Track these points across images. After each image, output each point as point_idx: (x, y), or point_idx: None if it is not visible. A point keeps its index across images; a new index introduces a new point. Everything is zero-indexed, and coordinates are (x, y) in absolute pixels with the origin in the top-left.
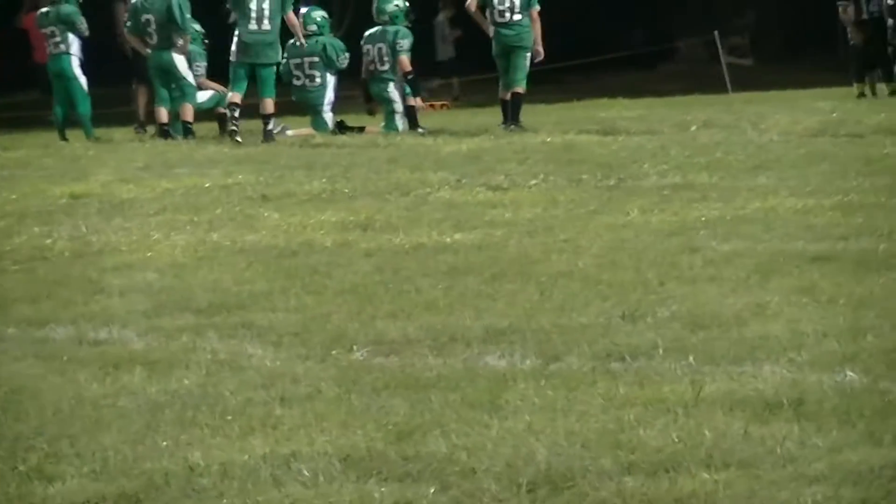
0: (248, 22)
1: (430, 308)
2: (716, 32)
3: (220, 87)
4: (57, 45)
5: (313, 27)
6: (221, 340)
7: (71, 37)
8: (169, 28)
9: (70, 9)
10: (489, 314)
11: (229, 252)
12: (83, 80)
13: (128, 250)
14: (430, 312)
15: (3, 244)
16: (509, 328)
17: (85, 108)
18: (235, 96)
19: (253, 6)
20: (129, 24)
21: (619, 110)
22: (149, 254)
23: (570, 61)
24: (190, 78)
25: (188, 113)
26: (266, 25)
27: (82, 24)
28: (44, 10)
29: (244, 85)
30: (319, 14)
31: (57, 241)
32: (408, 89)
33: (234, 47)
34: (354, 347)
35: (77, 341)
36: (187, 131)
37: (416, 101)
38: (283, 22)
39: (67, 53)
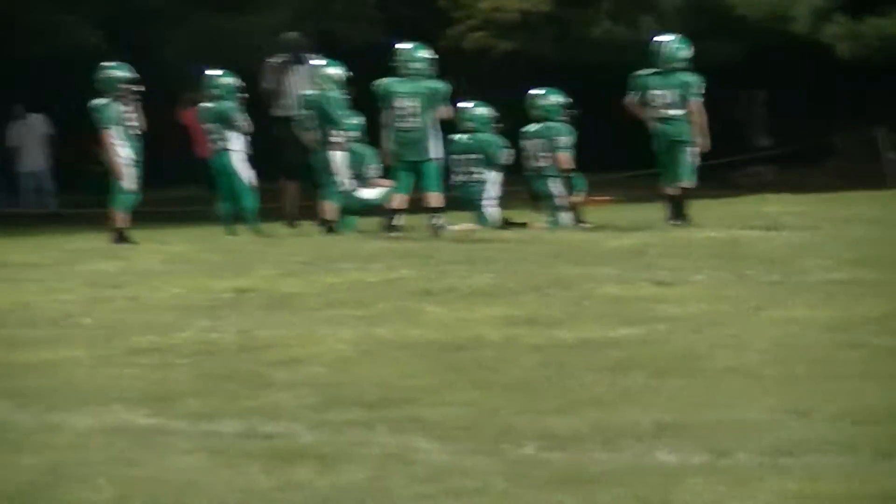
0: (398, 120)
1: (596, 403)
2: (879, 128)
3: (389, 184)
4: (217, 141)
5: (474, 123)
6: (390, 434)
7: (231, 132)
8: (326, 123)
9: (229, 105)
10: (656, 409)
11: (394, 346)
12: (246, 174)
13: (294, 344)
14: (596, 407)
15: (171, 338)
16: (677, 423)
17: (248, 202)
18: (397, 198)
19: (400, 104)
20: (291, 117)
21: (783, 205)
22: (315, 348)
23: (733, 157)
24: (341, 176)
25: (328, 210)
26: (414, 123)
27: (242, 120)
28: (203, 105)
29: (407, 184)
30: (480, 110)
31: (223, 335)
32: (575, 184)
33: (389, 146)
34: (523, 442)
35: (246, 435)
36: (327, 228)
37: (579, 197)
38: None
39: (228, 150)
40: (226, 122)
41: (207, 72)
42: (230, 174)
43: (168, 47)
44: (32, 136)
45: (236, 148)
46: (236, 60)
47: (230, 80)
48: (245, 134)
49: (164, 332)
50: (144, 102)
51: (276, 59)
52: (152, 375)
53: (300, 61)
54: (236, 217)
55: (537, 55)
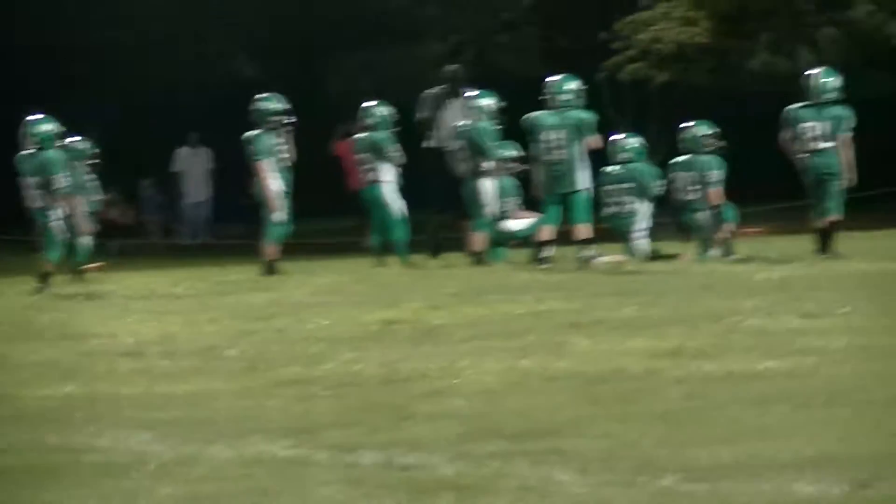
0: (546, 152)
1: (740, 435)
2: None
3: (536, 216)
4: (370, 172)
5: (627, 154)
6: (530, 466)
7: (383, 164)
8: (477, 154)
9: (382, 136)
10: (799, 441)
11: (539, 378)
12: (398, 205)
13: (438, 376)
14: (740, 439)
15: (315, 370)
16: (819, 455)
17: (399, 234)
18: (546, 230)
19: (548, 136)
20: (443, 147)
21: None
22: (457, 380)
23: (886, 188)
24: (490, 207)
25: (477, 241)
26: (562, 155)
27: (395, 151)
28: (357, 136)
29: (555, 216)
30: (633, 141)
31: (367, 366)
32: (725, 216)
33: (539, 178)
34: (662, 474)
35: (385, 466)
36: (476, 260)
37: (729, 229)
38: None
39: (380, 181)
40: (379, 152)
41: (364, 103)
42: (382, 206)
43: (330, 79)
44: (199, 166)
45: (388, 179)
46: (395, 92)
47: (385, 111)
48: (397, 165)
49: (309, 363)
50: (303, 133)
51: (433, 91)
52: (294, 407)
53: (457, 94)
54: (387, 248)
55: (694, 86)
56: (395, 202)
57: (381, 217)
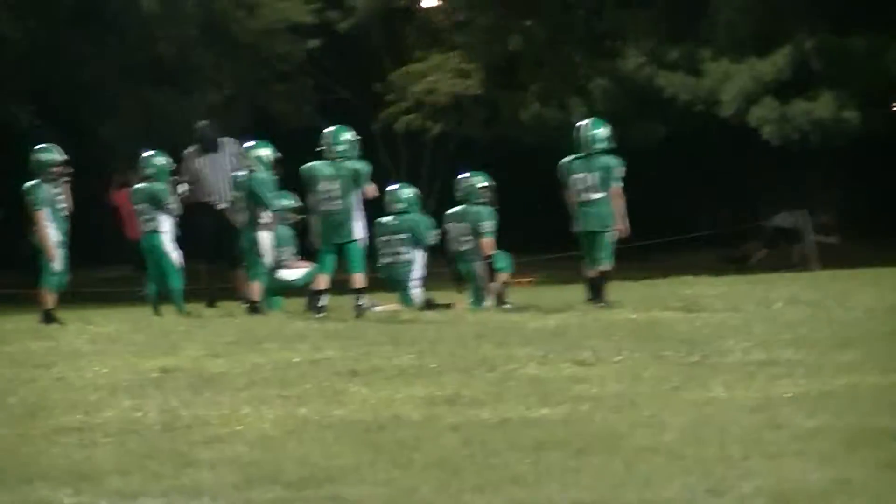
0: (322, 202)
1: (516, 481)
2: (803, 211)
3: (311, 265)
4: (148, 222)
5: (402, 205)
6: None
7: (161, 214)
8: (255, 204)
9: (159, 187)
10: (576, 488)
11: (318, 426)
12: (175, 255)
13: (217, 424)
14: (516, 486)
15: (95, 417)
16: (595, 502)
17: (177, 283)
18: (322, 279)
19: (323, 186)
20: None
21: (703, 287)
22: (238, 427)
23: (655, 239)
24: (267, 257)
25: (255, 290)
26: (337, 205)
27: (171, 202)
28: (135, 187)
29: (329, 264)
30: (408, 191)
31: (147, 414)
32: (498, 265)
33: (314, 228)
34: None
35: None
36: (253, 308)
37: (502, 278)
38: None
39: (158, 231)
40: (157, 203)
41: (142, 152)
42: (160, 255)
43: (103, 126)
44: None
45: (166, 229)
46: (170, 138)
47: (163, 161)
48: (174, 216)
49: (89, 411)
50: (78, 181)
51: (190, 150)
52: (76, 454)
53: (213, 149)
54: (163, 297)
55: (467, 137)
56: (173, 252)
57: (159, 266)
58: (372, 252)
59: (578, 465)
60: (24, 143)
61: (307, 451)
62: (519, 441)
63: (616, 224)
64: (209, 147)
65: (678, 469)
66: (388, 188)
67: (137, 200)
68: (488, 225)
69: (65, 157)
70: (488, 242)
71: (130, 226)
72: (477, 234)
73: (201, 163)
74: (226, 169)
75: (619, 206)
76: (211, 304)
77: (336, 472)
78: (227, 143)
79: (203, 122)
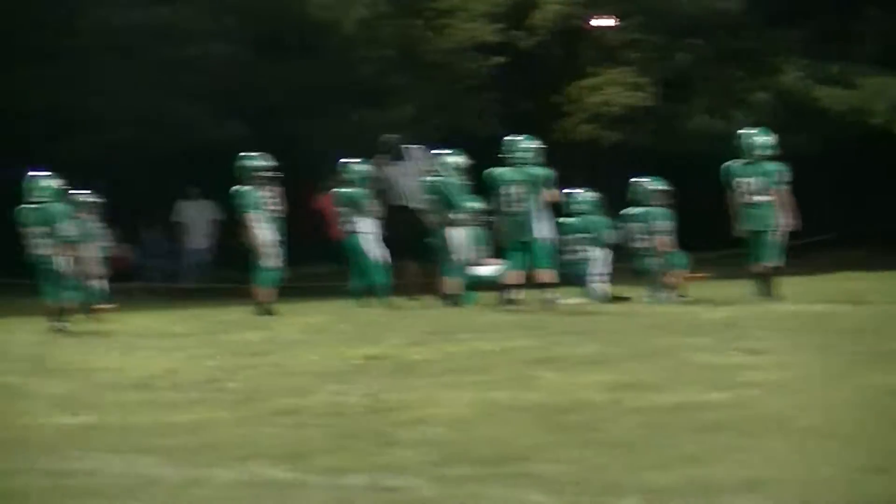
0: (507, 205)
1: (692, 460)
2: None
3: (501, 262)
4: (348, 224)
5: (583, 206)
6: (504, 488)
7: (361, 216)
8: (446, 207)
9: (359, 192)
10: (746, 466)
11: (508, 409)
12: (378, 252)
13: (416, 407)
14: (692, 464)
15: (304, 400)
16: (765, 479)
17: (379, 279)
18: (511, 275)
19: (508, 190)
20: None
21: (869, 282)
22: (435, 410)
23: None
24: (460, 254)
25: (449, 285)
26: (521, 207)
27: (371, 205)
28: (336, 190)
29: (517, 262)
30: (588, 195)
31: (353, 397)
32: (674, 262)
33: (501, 228)
34: (626, 495)
35: (372, 488)
36: (448, 302)
37: (678, 274)
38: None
39: (358, 232)
40: (356, 206)
41: (343, 161)
42: (361, 254)
43: (311, 139)
44: (201, 218)
45: (366, 230)
46: (370, 151)
47: (362, 168)
48: (376, 217)
49: (300, 395)
50: (288, 188)
51: (380, 158)
52: (288, 434)
53: (400, 157)
54: (368, 292)
55: (640, 145)
56: (373, 250)
57: (361, 264)
58: (556, 250)
59: (748, 445)
60: (237, 156)
61: (499, 432)
62: (693, 423)
63: (781, 224)
64: (397, 156)
65: (843, 449)
66: (570, 192)
67: (338, 203)
68: (664, 225)
69: (269, 163)
70: (664, 241)
71: (333, 227)
72: (653, 233)
73: (392, 170)
74: (414, 175)
75: (785, 205)
76: (412, 297)
77: (526, 451)
78: (415, 152)
79: (390, 135)
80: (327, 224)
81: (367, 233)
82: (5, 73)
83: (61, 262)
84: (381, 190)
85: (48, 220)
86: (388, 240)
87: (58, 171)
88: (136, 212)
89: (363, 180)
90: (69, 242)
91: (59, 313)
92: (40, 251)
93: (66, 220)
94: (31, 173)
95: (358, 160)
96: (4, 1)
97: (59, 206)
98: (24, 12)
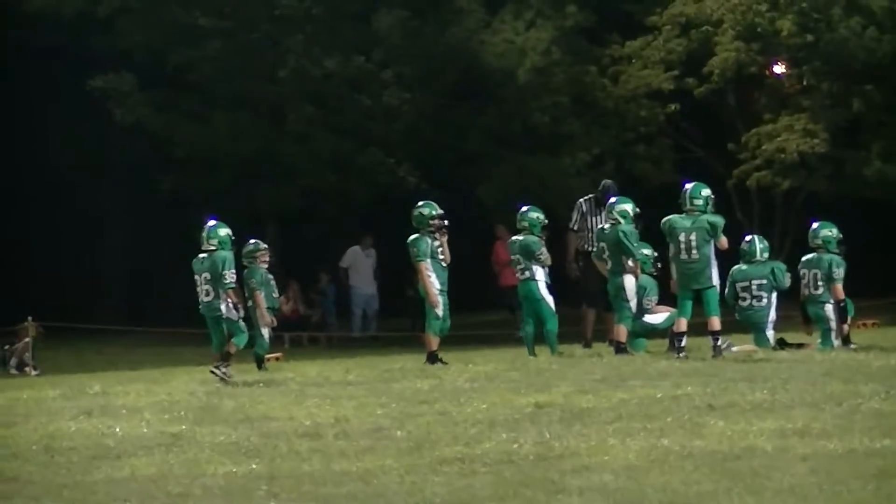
0: (680, 252)
1: None
2: None
3: (671, 310)
4: (522, 271)
5: (758, 253)
6: None
7: (534, 264)
8: (619, 254)
9: (532, 240)
10: None
11: (678, 456)
12: (549, 300)
13: (586, 454)
14: None
15: (475, 448)
16: None
17: (552, 325)
18: (681, 322)
19: (682, 238)
20: (593, 250)
21: None
22: (605, 457)
23: None
24: (632, 301)
25: (620, 333)
26: (695, 255)
27: (542, 254)
28: (512, 239)
29: (688, 309)
30: (762, 243)
31: (522, 445)
32: (846, 310)
33: (673, 276)
34: None
35: None
36: (619, 349)
37: (848, 321)
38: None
39: (533, 279)
40: (529, 253)
41: (519, 208)
42: (536, 300)
43: (482, 187)
44: (368, 264)
45: (539, 277)
46: (544, 198)
47: (536, 216)
48: (545, 266)
49: (469, 443)
50: (458, 236)
51: (584, 200)
52: (457, 482)
53: (603, 203)
54: (537, 339)
55: (814, 191)
56: (547, 297)
57: (535, 310)
58: (724, 297)
59: None
60: (411, 204)
61: (668, 479)
62: (863, 470)
63: None
64: (603, 201)
65: None
66: (745, 238)
67: (513, 251)
68: (840, 272)
69: (441, 211)
70: (839, 288)
71: (505, 274)
72: (829, 279)
73: (591, 214)
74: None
75: None
76: (586, 345)
77: (695, 498)
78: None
79: (609, 181)
80: (499, 271)
81: (541, 280)
82: (202, 122)
83: (225, 309)
84: (578, 232)
85: (214, 268)
86: (574, 286)
87: (244, 217)
88: (316, 259)
89: (536, 228)
90: (234, 290)
91: (225, 360)
92: (208, 298)
93: (231, 267)
94: (209, 223)
95: (531, 208)
96: (213, 51)
97: (224, 254)
98: (232, 59)
